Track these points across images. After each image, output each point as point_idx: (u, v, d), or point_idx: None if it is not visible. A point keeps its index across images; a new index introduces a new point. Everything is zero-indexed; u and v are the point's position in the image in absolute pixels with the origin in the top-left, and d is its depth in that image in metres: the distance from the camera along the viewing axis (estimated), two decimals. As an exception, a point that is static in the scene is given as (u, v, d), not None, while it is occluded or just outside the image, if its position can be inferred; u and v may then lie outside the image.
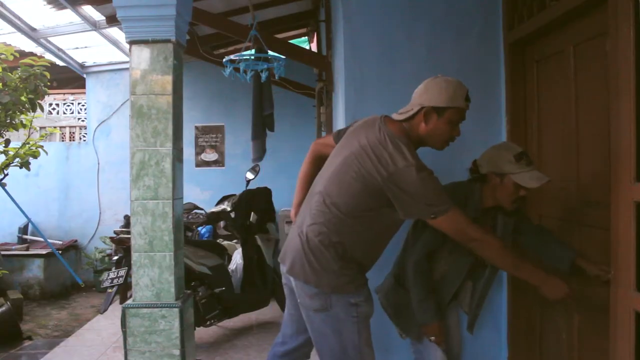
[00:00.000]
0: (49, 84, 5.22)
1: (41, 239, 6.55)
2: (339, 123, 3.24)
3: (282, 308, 4.95)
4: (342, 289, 2.09)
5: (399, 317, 2.48)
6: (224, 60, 4.18)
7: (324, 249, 2.08)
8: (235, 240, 5.30)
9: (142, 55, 2.67)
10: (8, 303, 5.03)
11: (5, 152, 5.15)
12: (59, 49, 6.18)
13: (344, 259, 2.09)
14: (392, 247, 2.48)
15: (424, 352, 2.46)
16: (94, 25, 5.34)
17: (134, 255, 2.77)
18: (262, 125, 4.62)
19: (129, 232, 3.70)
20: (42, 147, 5.39)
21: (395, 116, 2.16)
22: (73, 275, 6.48)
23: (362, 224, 2.08)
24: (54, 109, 7.68)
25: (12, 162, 5.18)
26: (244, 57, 4.11)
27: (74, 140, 7.60)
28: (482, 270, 2.40)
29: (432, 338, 2.32)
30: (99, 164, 7.11)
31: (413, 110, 2.07)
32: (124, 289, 4.77)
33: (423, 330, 2.34)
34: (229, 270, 4.45)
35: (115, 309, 4.61)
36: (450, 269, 2.37)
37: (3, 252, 6.24)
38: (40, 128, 6.83)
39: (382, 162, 1.97)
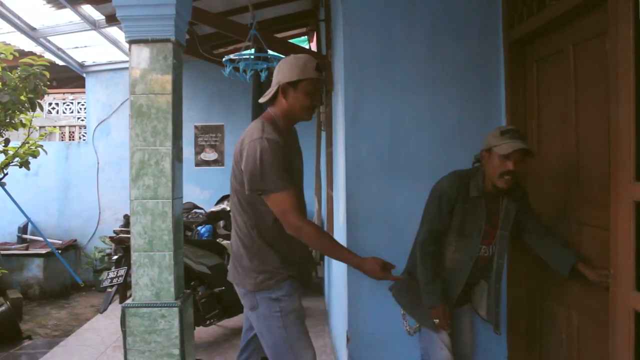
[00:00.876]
0: (48, 83, 5.22)
1: (41, 239, 6.55)
2: (339, 122, 3.24)
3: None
4: (263, 286, 2.20)
5: (414, 309, 2.48)
6: (223, 59, 4.18)
7: (243, 250, 2.24)
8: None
9: (142, 55, 2.66)
10: (8, 303, 5.03)
11: (4, 152, 5.15)
12: (59, 49, 6.18)
13: (258, 257, 2.21)
14: (403, 245, 2.49)
15: (429, 350, 2.46)
16: (94, 25, 5.34)
17: (134, 255, 2.77)
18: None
19: (128, 232, 3.70)
20: (41, 146, 5.39)
21: (260, 100, 2.31)
22: (73, 275, 6.48)
23: (265, 217, 2.19)
24: (53, 108, 7.68)
25: (12, 162, 5.18)
26: (244, 57, 4.11)
27: (73, 139, 7.59)
28: (491, 266, 2.41)
29: (436, 321, 2.32)
30: (98, 163, 7.11)
31: (272, 90, 2.22)
32: (124, 289, 4.77)
33: (429, 313, 2.35)
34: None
35: (115, 309, 4.62)
36: (461, 256, 2.36)
37: (3, 252, 6.24)
38: (40, 127, 6.83)
39: (245, 143, 2.14)
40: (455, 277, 2.38)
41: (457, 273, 2.37)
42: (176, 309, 2.78)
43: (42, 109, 5.68)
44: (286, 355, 2.20)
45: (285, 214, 2.09)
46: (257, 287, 2.21)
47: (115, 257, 5.12)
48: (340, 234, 3.31)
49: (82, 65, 6.99)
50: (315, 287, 5.95)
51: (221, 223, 5.71)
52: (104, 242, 6.76)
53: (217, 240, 5.06)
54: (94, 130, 7.13)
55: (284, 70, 2.18)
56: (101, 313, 4.79)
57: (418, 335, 2.55)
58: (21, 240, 6.80)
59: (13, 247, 6.53)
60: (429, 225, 2.36)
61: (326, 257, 5.27)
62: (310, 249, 2.87)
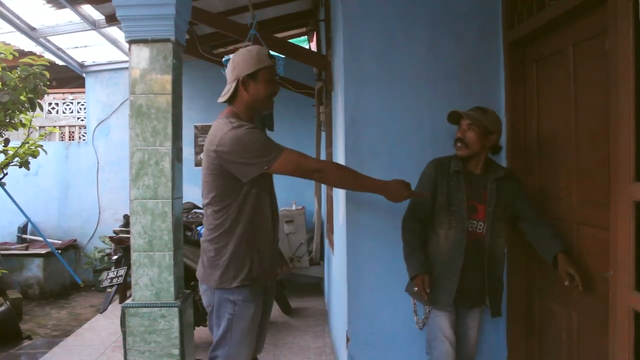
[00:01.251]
0: (48, 83, 5.22)
1: (40, 239, 6.55)
2: (339, 122, 3.24)
3: (282, 308, 4.97)
4: (224, 285, 2.24)
5: (408, 285, 2.55)
6: (223, 59, 4.18)
7: (211, 247, 2.29)
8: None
9: (142, 55, 2.66)
10: (7, 303, 5.03)
11: (4, 152, 5.15)
12: (59, 48, 6.18)
13: (226, 254, 2.25)
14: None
15: (432, 342, 2.52)
16: (94, 25, 5.34)
17: (134, 255, 2.77)
18: (261, 124, 4.61)
19: (128, 232, 3.69)
20: (41, 146, 5.39)
21: (219, 100, 2.35)
22: (72, 275, 6.48)
23: (233, 214, 2.23)
24: (53, 108, 7.67)
25: (12, 162, 5.18)
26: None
27: (73, 139, 7.59)
28: (484, 243, 2.48)
29: (415, 289, 2.44)
30: (98, 163, 7.11)
31: (232, 87, 2.27)
32: (124, 289, 4.78)
33: (413, 283, 2.47)
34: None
35: (115, 309, 4.62)
36: (455, 232, 2.45)
37: (2, 252, 6.24)
38: (40, 127, 6.83)
39: (214, 141, 2.19)
40: (454, 253, 2.46)
41: (456, 248, 2.45)
42: (176, 309, 2.78)
43: (42, 109, 5.68)
44: (222, 353, 2.30)
45: (301, 165, 2.17)
46: (218, 284, 2.27)
47: (115, 257, 5.12)
48: (340, 234, 3.31)
49: (82, 65, 6.99)
50: (315, 287, 5.95)
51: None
52: (103, 242, 6.76)
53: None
54: (94, 130, 7.13)
55: (239, 65, 2.23)
56: (101, 313, 4.79)
57: (426, 329, 2.59)
58: (21, 240, 6.80)
59: (13, 247, 6.53)
60: (410, 203, 2.55)
61: (326, 258, 5.28)
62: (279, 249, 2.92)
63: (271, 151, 2.15)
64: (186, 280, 3.44)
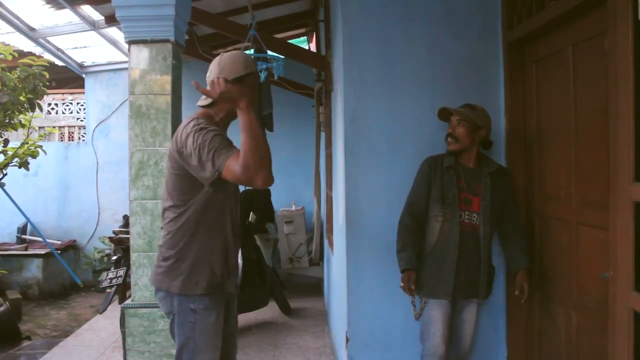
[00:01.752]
0: (47, 83, 5.21)
1: (40, 239, 6.55)
2: (338, 123, 3.24)
3: (282, 308, 4.97)
4: (185, 290, 2.13)
5: (421, 288, 2.61)
6: (222, 59, 4.17)
7: (171, 251, 2.16)
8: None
9: (141, 55, 2.67)
10: (7, 303, 5.03)
11: (4, 152, 5.15)
12: (58, 49, 6.18)
13: (182, 258, 2.14)
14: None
15: (424, 335, 2.60)
16: (93, 25, 5.34)
17: (133, 255, 2.77)
18: (261, 125, 4.62)
19: (127, 232, 3.70)
20: (41, 147, 5.39)
21: (200, 102, 2.24)
22: (72, 275, 6.48)
23: (196, 216, 2.13)
24: (52, 108, 7.67)
25: (11, 162, 5.18)
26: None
27: (72, 140, 7.59)
28: (478, 234, 2.56)
29: (402, 284, 2.55)
30: (97, 163, 7.10)
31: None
32: (123, 289, 4.78)
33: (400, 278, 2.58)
34: (228, 270, 4.44)
35: (114, 309, 4.62)
36: (450, 225, 2.54)
37: (2, 252, 6.24)
38: (39, 128, 6.82)
39: (178, 141, 2.08)
40: (450, 244, 2.54)
41: (451, 239, 2.54)
42: (175, 310, 2.77)
43: (41, 109, 5.67)
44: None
45: (238, 170, 1.95)
46: (180, 290, 2.14)
47: (115, 257, 5.13)
48: (340, 234, 3.31)
49: (81, 65, 6.98)
50: (315, 287, 5.95)
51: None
52: (103, 242, 6.76)
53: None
54: (93, 131, 7.13)
55: (229, 68, 2.14)
56: (100, 313, 4.80)
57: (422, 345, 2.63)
58: (20, 240, 6.80)
59: (12, 247, 6.53)
60: (408, 200, 2.67)
61: (325, 259, 5.28)
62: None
63: (220, 156, 1.99)
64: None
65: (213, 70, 2.18)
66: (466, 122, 2.55)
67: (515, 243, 2.62)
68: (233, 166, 1.97)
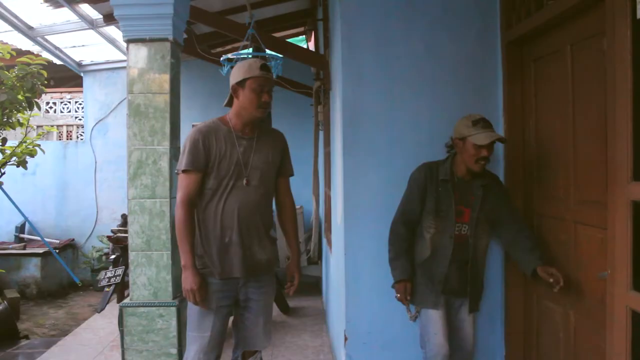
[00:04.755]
0: (46, 82, 5.21)
1: (38, 238, 6.54)
2: (337, 121, 3.24)
3: (280, 307, 4.97)
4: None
5: (414, 295, 2.58)
6: (221, 59, 4.18)
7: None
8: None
9: (140, 54, 2.66)
10: (5, 302, 5.02)
11: (2, 151, 5.14)
12: (56, 48, 6.17)
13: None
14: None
15: (424, 336, 2.56)
16: (91, 24, 5.33)
17: (131, 254, 2.77)
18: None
19: (126, 231, 3.69)
20: (39, 145, 5.38)
21: (224, 104, 2.52)
22: (70, 274, 6.47)
23: (202, 198, 2.38)
24: (51, 107, 7.66)
25: (9, 161, 5.17)
26: (242, 56, 4.10)
27: (71, 139, 7.58)
28: (468, 244, 2.53)
29: (397, 295, 2.53)
30: (96, 162, 7.10)
31: (228, 95, 2.44)
32: (121, 288, 4.77)
33: (395, 288, 2.56)
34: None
35: (113, 308, 4.61)
36: (442, 236, 2.50)
37: (0, 251, 6.23)
38: (38, 127, 6.81)
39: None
40: (440, 256, 2.51)
41: (442, 251, 2.51)
42: (174, 309, 2.78)
43: (39, 108, 5.65)
44: (187, 332, 2.43)
45: (179, 191, 2.32)
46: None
47: (113, 256, 5.11)
48: (338, 233, 3.31)
49: (79, 64, 6.97)
50: (313, 286, 5.95)
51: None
52: (101, 241, 6.76)
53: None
54: (92, 130, 7.12)
55: (233, 74, 2.39)
56: (99, 312, 4.79)
57: (418, 322, 2.62)
58: (19, 239, 6.79)
59: (10, 246, 6.52)
60: (401, 207, 2.61)
61: (324, 258, 5.28)
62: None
63: (180, 165, 2.33)
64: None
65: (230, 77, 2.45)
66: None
67: (521, 247, 2.48)
68: (180, 185, 2.35)
